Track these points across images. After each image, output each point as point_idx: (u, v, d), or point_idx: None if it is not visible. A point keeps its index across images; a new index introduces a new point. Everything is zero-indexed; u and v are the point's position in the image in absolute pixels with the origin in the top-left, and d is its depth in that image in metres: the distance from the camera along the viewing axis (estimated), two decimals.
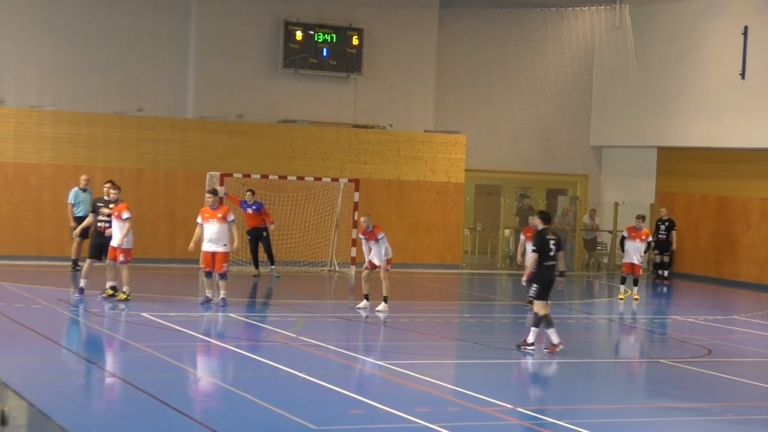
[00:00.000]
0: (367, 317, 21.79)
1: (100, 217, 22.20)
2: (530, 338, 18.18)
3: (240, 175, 29.37)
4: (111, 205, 22.00)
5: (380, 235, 22.30)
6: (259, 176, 29.49)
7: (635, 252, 26.22)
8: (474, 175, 34.29)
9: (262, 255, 27.78)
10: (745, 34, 30.77)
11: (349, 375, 15.97)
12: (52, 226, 28.49)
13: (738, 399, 15.36)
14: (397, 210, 32.05)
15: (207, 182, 28.91)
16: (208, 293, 21.88)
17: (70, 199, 26.55)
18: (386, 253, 22.36)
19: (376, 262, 22.33)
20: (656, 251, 31.59)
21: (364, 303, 22.52)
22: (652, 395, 15.93)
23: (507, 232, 35.24)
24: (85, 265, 22.34)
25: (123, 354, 17.12)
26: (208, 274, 21.91)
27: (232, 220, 22.02)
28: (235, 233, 22.07)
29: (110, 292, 21.82)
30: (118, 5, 30.65)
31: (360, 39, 32.60)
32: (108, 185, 22.36)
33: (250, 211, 27.41)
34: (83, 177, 26.89)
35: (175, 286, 26.01)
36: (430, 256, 32.24)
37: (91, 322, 20.06)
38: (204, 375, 15.82)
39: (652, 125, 33.65)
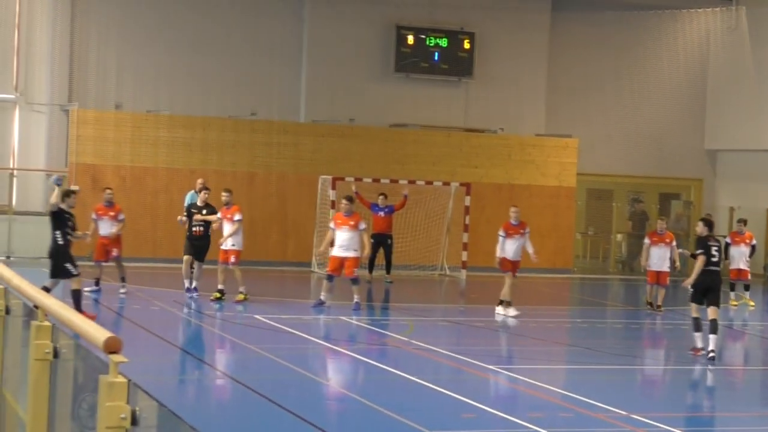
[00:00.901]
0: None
1: (195, 222, 22.47)
2: (698, 344, 18.03)
3: (351, 179, 29.54)
4: (204, 211, 22.35)
5: (527, 230, 22.46)
6: (370, 180, 29.63)
7: (740, 257, 25.96)
8: (586, 179, 34.02)
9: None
10: None
11: (461, 379, 15.97)
12: (167, 229, 28.98)
13: None
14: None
15: (319, 186, 29.17)
16: (323, 296, 22.06)
17: (187, 202, 26.92)
18: (528, 248, 22.38)
19: (516, 257, 22.18)
20: None
21: (512, 309, 22.30)
22: None
23: (619, 236, 34.93)
24: (184, 264, 22.58)
25: (238, 355, 17.35)
26: (331, 278, 22.08)
27: (364, 228, 22.22)
28: (366, 241, 22.28)
29: (218, 295, 22.13)
30: (232, 12, 31.11)
31: (471, 43, 32.60)
32: (204, 192, 22.61)
33: (381, 214, 27.43)
34: (199, 180, 27.20)
35: (287, 288, 26.24)
36: (542, 260, 31.71)
37: (206, 323, 20.37)
38: (317, 377, 15.95)
39: None
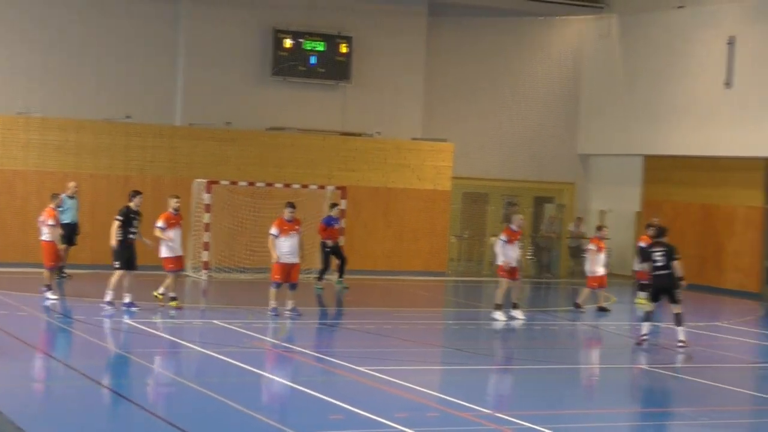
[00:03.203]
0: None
1: (132, 229, 21.71)
2: (644, 330, 20.14)
3: (227, 183, 29.47)
4: (139, 216, 21.85)
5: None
6: (246, 183, 29.60)
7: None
8: (461, 183, 34.38)
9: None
10: (731, 43, 30.97)
11: (331, 381, 16.06)
12: (38, 233, 28.45)
13: (714, 404, 15.50)
14: (384, 217, 32.18)
15: (194, 190, 29.01)
16: (274, 303, 21.96)
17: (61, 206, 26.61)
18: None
19: (517, 263, 22.98)
20: None
21: (519, 312, 23.10)
22: (632, 400, 16.07)
23: (493, 239, 35.32)
24: (119, 278, 21.60)
25: (104, 360, 17.17)
26: (279, 285, 21.98)
27: (301, 232, 22.55)
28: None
29: (177, 303, 22.09)
30: (107, 12, 30.72)
31: (349, 47, 32.71)
32: (140, 196, 21.97)
33: (336, 225, 27.46)
34: (71, 184, 26.96)
35: None
36: (417, 263, 32.35)
37: (76, 329, 20.09)
38: (184, 380, 15.87)
39: (639, 133, 33.78)
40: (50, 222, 22.97)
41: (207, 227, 28.71)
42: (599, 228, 26.74)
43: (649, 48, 33.80)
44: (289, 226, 22.00)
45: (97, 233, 27.82)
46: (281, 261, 21.87)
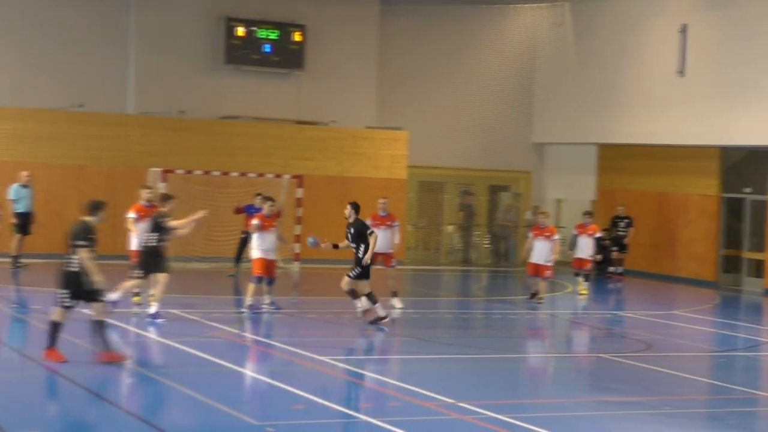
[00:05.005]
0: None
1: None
2: (381, 313, 19.99)
3: (182, 171, 29.27)
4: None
5: (396, 222, 23.09)
6: (201, 172, 29.42)
7: (585, 247, 27.04)
8: (416, 172, 34.37)
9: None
10: (683, 31, 31.15)
11: (293, 371, 15.99)
12: None
13: (674, 392, 15.60)
14: (339, 206, 31.71)
15: (149, 179, 28.77)
16: (251, 300, 21.39)
17: (11, 195, 26.42)
18: (396, 239, 22.91)
19: (385, 250, 22.58)
20: (614, 248, 31.73)
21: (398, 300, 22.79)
22: (592, 389, 16.12)
23: (450, 228, 35.42)
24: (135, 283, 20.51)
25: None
26: (260, 280, 21.57)
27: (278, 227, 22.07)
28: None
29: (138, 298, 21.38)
30: (58, 1, 30.41)
31: (302, 35, 32.62)
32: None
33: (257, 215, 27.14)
34: (24, 173, 26.77)
35: (118, 282, 25.85)
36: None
37: (33, 319, 19.92)
38: (146, 370, 15.76)
39: (592, 122, 33.93)
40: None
41: None
42: (541, 214, 26.24)
43: (602, 36, 33.94)
44: (269, 222, 21.63)
45: (51, 222, 27.57)
46: (261, 257, 21.41)
